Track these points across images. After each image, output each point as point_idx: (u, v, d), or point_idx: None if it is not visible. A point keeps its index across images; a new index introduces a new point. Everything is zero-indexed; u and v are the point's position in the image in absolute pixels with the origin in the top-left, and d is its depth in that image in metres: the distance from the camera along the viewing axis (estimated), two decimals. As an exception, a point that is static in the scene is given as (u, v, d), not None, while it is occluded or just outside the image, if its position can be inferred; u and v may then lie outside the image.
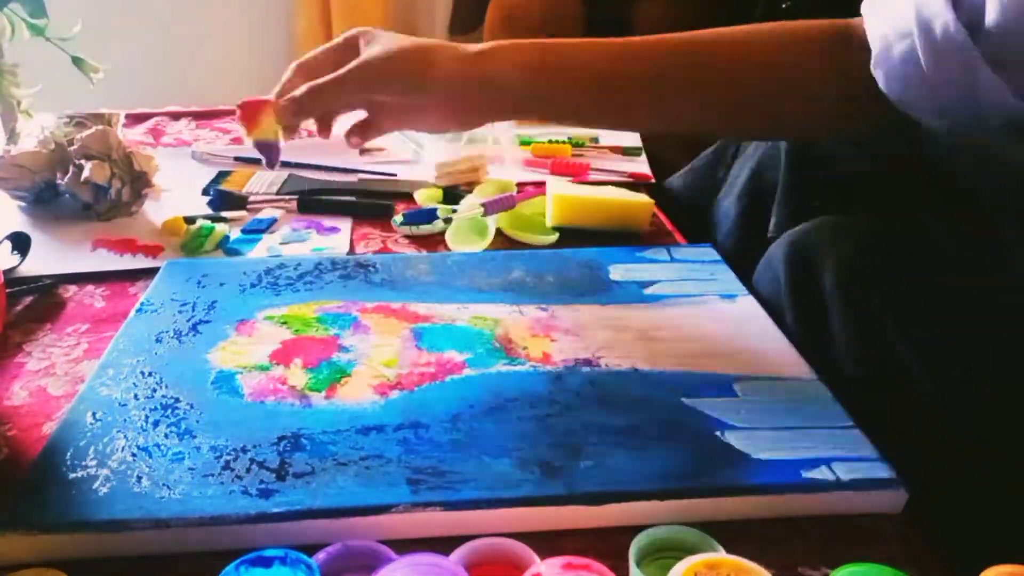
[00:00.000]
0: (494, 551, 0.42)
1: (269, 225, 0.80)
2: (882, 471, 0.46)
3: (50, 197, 0.83)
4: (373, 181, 0.93)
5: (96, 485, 0.45)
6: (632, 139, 1.04)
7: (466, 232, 0.79)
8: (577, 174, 0.95)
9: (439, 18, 1.73)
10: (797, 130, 0.65)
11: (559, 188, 0.82)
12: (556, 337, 0.59)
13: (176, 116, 1.15)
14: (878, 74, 0.56)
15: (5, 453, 0.51)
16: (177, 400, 0.52)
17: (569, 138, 1.03)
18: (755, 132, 0.70)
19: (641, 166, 0.98)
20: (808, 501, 0.45)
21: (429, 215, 0.80)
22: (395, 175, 0.95)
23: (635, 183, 0.94)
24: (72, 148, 0.82)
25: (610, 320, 0.61)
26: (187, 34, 1.63)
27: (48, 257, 0.75)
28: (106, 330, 0.63)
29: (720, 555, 0.40)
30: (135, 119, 1.11)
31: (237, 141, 1.07)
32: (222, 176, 0.92)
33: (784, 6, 1.42)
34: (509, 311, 0.62)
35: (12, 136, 0.81)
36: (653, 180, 0.95)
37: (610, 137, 1.04)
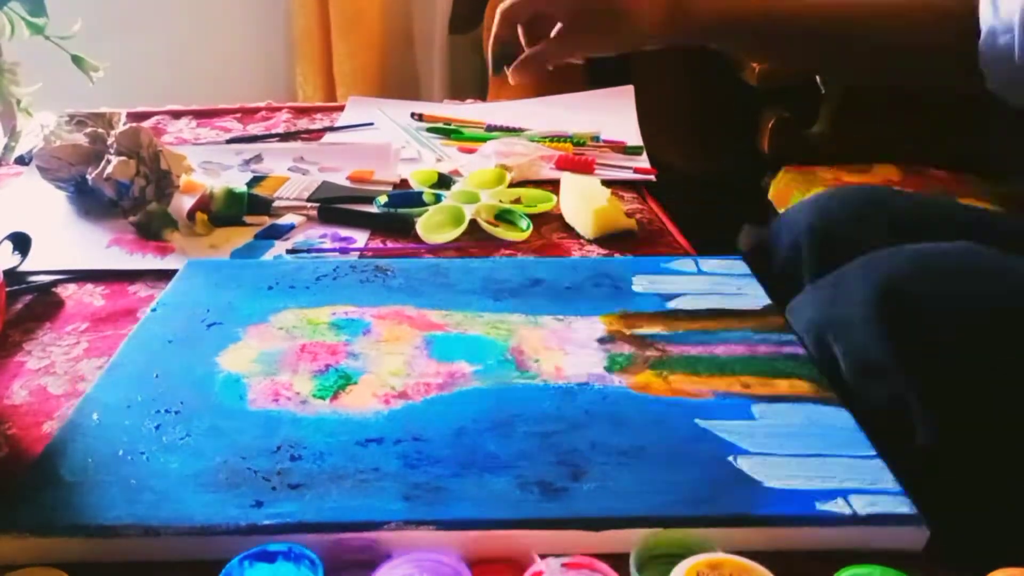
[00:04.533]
0: (495, 547, 0.41)
1: (285, 232, 0.80)
2: (903, 506, 0.44)
3: (89, 190, 0.84)
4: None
5: (92, 489, 0.45)
6: (633, 138, 1.03)
7: (440, 221, 0.80)
8: (584, 169, 0.94)
9: (438, 18, 1.72)
10: (909, 79, 0.80)
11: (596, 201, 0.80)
12: (571, 350, 0.57)
13: (177, 115, 1.15)
14: (982, 54, 0.66)
15: (5, 452, 0.51)
16: (181, 404, 0.51)
17: (571, 136, 1.02)
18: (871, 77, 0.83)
19: (643, 164, 0.98)
20: (821, 535, 0.43)
21: (415, 198, 0.81)
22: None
23: (638, 181, 0.94)
24: (109, 143, 0.83)
25: (628, 334, 0.59)
26: (187, 34, 1.64)
27: (62, 252, 0.76)
28: (105, 329, 0.63)
29: (722, 555, 0.39)
30: (136, 118, 1.11)
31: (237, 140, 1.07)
32: (256, 181, 0.91)
33: None
34: (525, 321, 0.61)
35: (13, 135, 0.82)
36: (655, 176, 0.95)
37: (613, 137, 1.04)
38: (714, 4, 0.72)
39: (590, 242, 0.79)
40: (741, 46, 0.82)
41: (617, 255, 0.76)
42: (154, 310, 0.62)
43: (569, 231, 0.81)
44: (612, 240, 0.78)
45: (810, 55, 0.77)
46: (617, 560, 0.41)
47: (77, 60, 0.86)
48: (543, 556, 0.40)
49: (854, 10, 0.73)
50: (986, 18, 0.67)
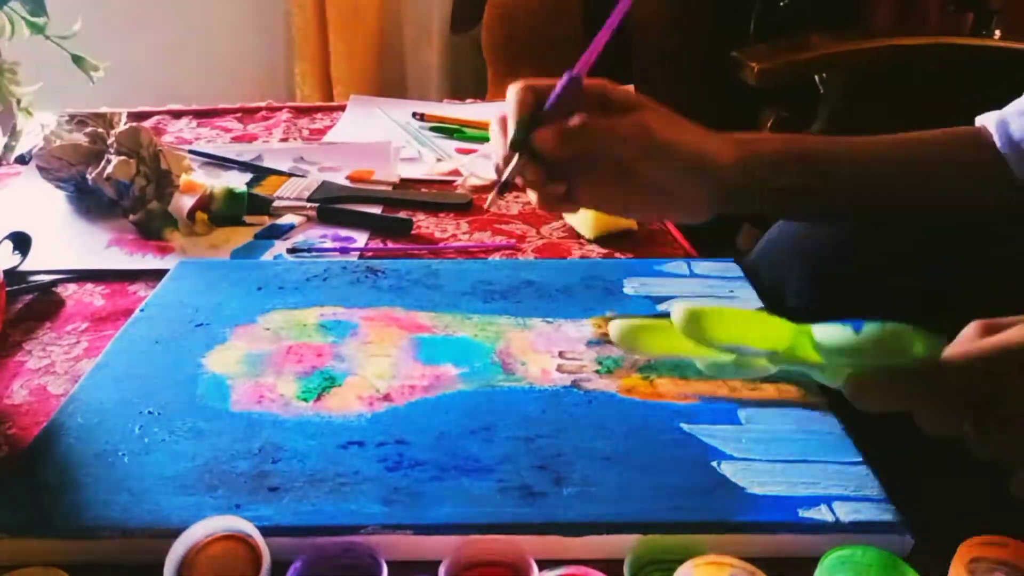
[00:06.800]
0: (474, 552, 0.41)
1: (285, 232, 0.80)
2: (887, 514, 0.43)
3: (89, 189, 0.84)
4: (403, 190, 0.92)
5: (71, 490, 0.44)
6: None
7: None
8: None
9: (436, 16, 1.72)
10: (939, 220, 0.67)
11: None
12: (557, 353, 0.57)
13: (177, 115, 1.15)
14: (1008, 156, 0.61)
15: (5, 451, 0.51)
16: (164, 405, 0.51)
17: None
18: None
19: None
20: (803, 542, 0.43)
21: None
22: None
23: None
24: (109, 143, 0.83)
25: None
26: (187, 34, 1.65)
27: (62, 252, 0.76)
28: (106, 328, 0.63)
29: (722, 556, 0.39)
30: (136, 117, 1.11)
31: (237, 139, 1.07)
32: (256, 181, 0.91)
33: (782, 4, 1.39)
34: (513, 323, 0.60)
35: (13, 134, 0.83)
36: None
37: None
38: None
39: (590, 242, 0.78)
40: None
41: (617, 255, 0.76)
42: (142, 310, 0.62)
43: (569, 231, 0.81)
44: (612, 240, 0.78)
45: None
46: (598, 566, 0.40)
47: (77, 60, 0.86)
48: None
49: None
50: (990, 118, 0.63)
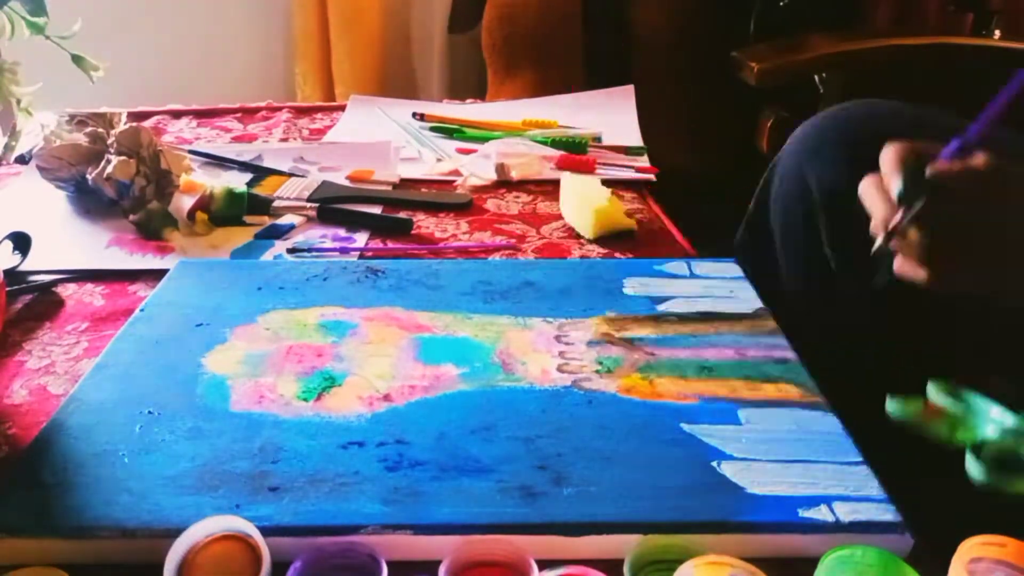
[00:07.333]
0: (474, 552, 0.41)
1: (285, 232, 0.80)
2: (887, 514, 0.43)
3: (89, 189, 0.84)
4: (403, 190, 0.92)
5: (71, 490, 0.44)
6: (635, 139, 1.03)
7: None
8: (584, 169, 0.94)
9: (436, 17, 1.72)
10: None
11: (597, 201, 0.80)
12: (557, 353, 0.57)
13: (177, 115, 1.16)
14: None
15: (5, 451, 0.51)
16: (163, 405, 0.51)
17: (572, 138, 1.02)
18: None
19: (644, 164, 0.98)
20: (803, 542, 0.43)
21: None
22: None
23: (638, 181, 0.94)
24: (109, 143, 0.83)
25: (617, 337, 0.59)
26: (187, 34, 1.65)
27: (62, 252, 0.76)
28: (105, 328, 0.63)
29: (722, 556, 0.39)
30: (136, 117, 1.11)
31: (237, 139, 1.07)
32: (256, 181, 0.91)
33: (781, 3, 1.39)
34: (514, 323, 0.60)
35: (13, 134, 0.83)
36: (655, 176, 0.95)
37: (613, 137, 1.04)
38: None
39: (590, 242, 0.79)
40: None
41: (617, 255, 0.76)
42: (142, 310, 0.62)
43: (569, 231, 0.81)
44: (612, 240, 0.79)
45: None
46: (598, 566, 0.40)
47: (77, 60, 0.86)
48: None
49: None
50: None
